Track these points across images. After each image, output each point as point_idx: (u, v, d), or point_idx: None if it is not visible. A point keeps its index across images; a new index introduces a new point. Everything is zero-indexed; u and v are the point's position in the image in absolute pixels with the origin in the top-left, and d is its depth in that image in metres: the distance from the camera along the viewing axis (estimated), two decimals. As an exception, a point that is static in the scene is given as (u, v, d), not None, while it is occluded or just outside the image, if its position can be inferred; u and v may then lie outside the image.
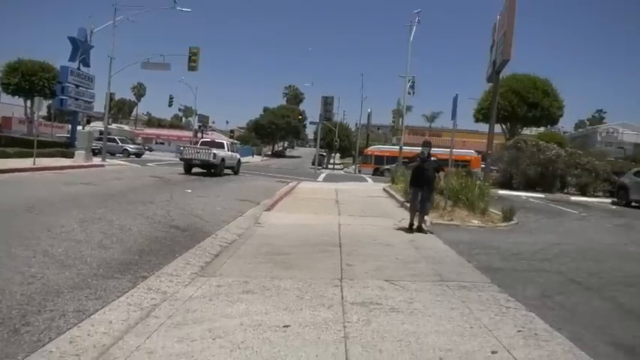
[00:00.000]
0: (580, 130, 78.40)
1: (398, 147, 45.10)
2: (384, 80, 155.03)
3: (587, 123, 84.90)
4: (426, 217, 8.27)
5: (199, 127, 53.38)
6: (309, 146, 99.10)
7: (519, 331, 3.49)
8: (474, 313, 3.86)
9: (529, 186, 18.42)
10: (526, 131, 31.45)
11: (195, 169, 19.20)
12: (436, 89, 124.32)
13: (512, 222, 9.48)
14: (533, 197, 15.87)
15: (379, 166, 37.79)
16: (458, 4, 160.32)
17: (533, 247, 7.09)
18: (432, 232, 7.80)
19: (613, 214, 13.07)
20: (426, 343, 3.17)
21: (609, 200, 17.12)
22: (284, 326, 3.35)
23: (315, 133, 63.34)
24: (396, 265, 5.51)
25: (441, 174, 8.43)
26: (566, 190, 19.04)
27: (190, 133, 57.82)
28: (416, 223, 8.05)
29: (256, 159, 60.73)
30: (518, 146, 19.06)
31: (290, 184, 17.93)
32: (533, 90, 27.80)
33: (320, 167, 26.69)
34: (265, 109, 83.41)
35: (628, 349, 3.29)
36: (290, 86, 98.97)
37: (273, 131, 77.68)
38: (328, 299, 4.03)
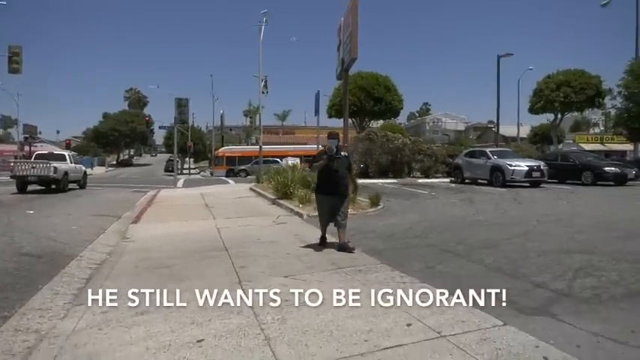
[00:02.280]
0: (412, 121, 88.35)
1: (250, 147, 45.32)
2: (234, 81, 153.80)
3: (417, 115, 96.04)
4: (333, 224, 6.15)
5: (25, 138, 46.18)
6: (158, 153, 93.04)
7: (423, 301, 3.75)
8: (378, 293, 4.03)
9: (382, 173, 20.14)
10: (373, 124, 34.24)
11: (32, 186, 16.57)
12: (284, 89, 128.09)
13: (379, 207, 10.21)
14: (387, 183, 17.40)
15: (232, 167, 37.24)
16: (302, 6, 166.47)
17: (404, 227, 7.73)
18: (354, 250, 5.74)
19: (454, 190, 15.00)
20: (347, 329, 3.21)
21: (448, 179, 19.69)
22: (198, 341, 3.07)
23: (168, 138, 60.08)
24: (289, 260, 5.48)
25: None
26: (412, 175, 21.31)
27: (14, 147, 49.82)
28: (332, 240, 6.16)
29: (100, 170, 55.04)
30: (370, 137, 20.70)
31: (149, 193, 16.63)
32: (377, 86, 30.52)
33: (174, 173, 25.35)
34: (105, 115, 75.68)
35: (509, 302, 3.77)
36: (131, 89, 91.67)
37: (117, 139, 71.09)
38: (235, 305, 3.82)
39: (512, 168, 15.74)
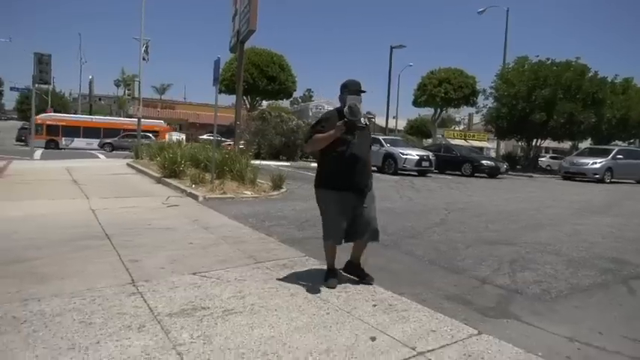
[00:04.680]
0: (295, 106, 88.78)
1: (80, 116, 40.32)
2: (105, 46, 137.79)
3: (300, 100, 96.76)
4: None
5: None
6: (8, 119, 79.90)
7: (374, 305, 3.16)
8: (315, 295, 3.33)
9: (274, 155, 19.40)
10: (264, 104, 33.12)
11: None
12: (163, 61, 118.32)
13: (282, 190, 9.50)
14: (282, 166, 16.68)
15: (54, 138, 32.83)
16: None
17: (316, 212, 7.06)
18: (372, 280, 3.65)
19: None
20: (297, 348, 2.46)
21: (339, 165, 19.66)
22: (83, 382, 2.06)
23: (21, 103, 51.59)
24: (194, 252, 4.50)
25: None
26: (303, 158, 20.90)
27: None
28: (344, 258, 3.85)
29: None
30: (264, 117, 19.76)
31: (-4, 164, 13.70)
32: (272, 64, 29.42)
33: (30, 143, 21.28)
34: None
35: (465, 301, 3.35)
36: (-26, 42, 77.20)
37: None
38: (133, 317, 2.81)
39: (405, 156, 16.18)
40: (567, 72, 23.63)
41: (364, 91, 3.52)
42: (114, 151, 30.15)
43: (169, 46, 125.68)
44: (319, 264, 4.13)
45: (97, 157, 22.11)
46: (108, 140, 32.54)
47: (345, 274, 3.73)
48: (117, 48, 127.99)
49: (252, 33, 13.27)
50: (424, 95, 31.81)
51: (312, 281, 3.61)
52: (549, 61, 24.74)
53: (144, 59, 26.26)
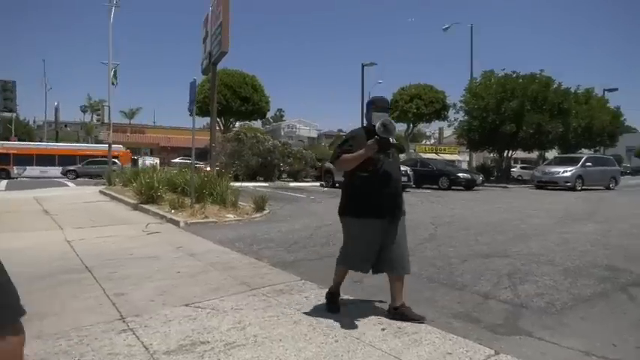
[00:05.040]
0: (267, 126, 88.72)
1: (31, 143, 38.80)
2: (70, 72, 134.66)
3: (271, 120, 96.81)
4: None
5: None
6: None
7: (383, 329, 3.03)
8: (320, 321, 3.17)
9: (251, 176, 19.17)
10: (237, 125, 32.86)
11: None
12: (131, 86, 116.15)
13: (265, 212, 9.30)
14: (260, 187, 16.47)
15: (4, 167, 31.19)
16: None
17: (303, 233, 6.98)
18: (424, 319, 3.19)
19: (331, 194, 14.79)
20: (312, 384, 2.28)
21: (317, 184, 19.58)
22: None
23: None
24: (183, 281, 4.27)
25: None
26: (281, 178, 20.75)
27: None
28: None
29: None
30: (239, 138, 19.53)
31: (-42, 197, 13.01)
32: (244, 85, 29.30)
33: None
34: None
35: (473, 319, 3.25)
36: None
37: None
38: (127, 357, 2.59)
39: None
40: (533, 84, 24.40)
41: (391, 108, 3.32)
42: (78, 179, 29.11)
43: (136, 70, 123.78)
44: (317, 287, 3.98)
45: (66, 185, 21.35)
46: (71, 167, 31.27)
47: (392, 320, 3.19)
48: (82, 73, 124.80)
49: (224, 54, 13.18)
50: (396, 111, 32.25)
51: (314, 307, 3.46)
52: (515, 74, 25.53)
53: (113, 84, 25.75)
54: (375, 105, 3.31)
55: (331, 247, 5.91)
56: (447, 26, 32.07)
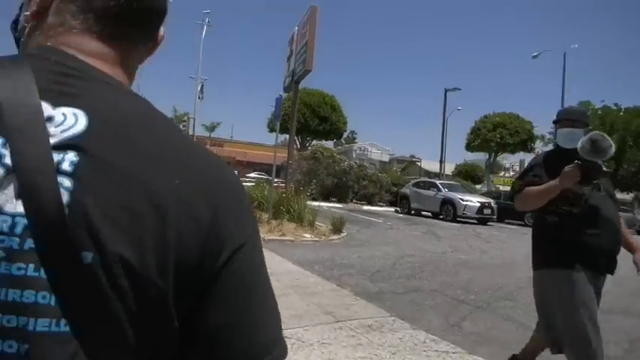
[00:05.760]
0: (339, 147, 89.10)
1: None
2: (161, 79, 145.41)
3: (344, 142, 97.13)
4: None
5: None
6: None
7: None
8: (422, 371, 2.74)
9: (325, 196, 19.00)
10: (313, 143, 33.15)
11: None
12: (212, 101, 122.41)
13: (343, 234, 8.98)
14: (334, 207, 16.24)
15: None
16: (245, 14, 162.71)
17: (385, 262, 6.55)
18: None
19: (407, 221, 14.21)
20: None
21: (392, 209, 18.96)
22: None
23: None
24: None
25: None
26: (354, 200, 20.39)
27: None
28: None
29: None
30: (316, 157, 19.53)
31: None
32: (324, 104, 29.58)
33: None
34: None
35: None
36: None
37: None
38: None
39: (465, 203, 15.29)
40: (637, 118, 22.24)
41: (588, 125, 2.53)
42: None
43: (217, 85, 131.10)
44: (410, 328, 3.56)
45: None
46: None
47: None
48: (170, 85, 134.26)
49: (307, 73, 13.29)
50: (478, 139, 30.86)
51: (410, 351, 3.03)
52: (616, 107, 23.47)
53: (199, 98, 27.20)
54: (565, 117, 2.41)
55: (417, 281, 5.44)
56: (536, 54, 30.41)
